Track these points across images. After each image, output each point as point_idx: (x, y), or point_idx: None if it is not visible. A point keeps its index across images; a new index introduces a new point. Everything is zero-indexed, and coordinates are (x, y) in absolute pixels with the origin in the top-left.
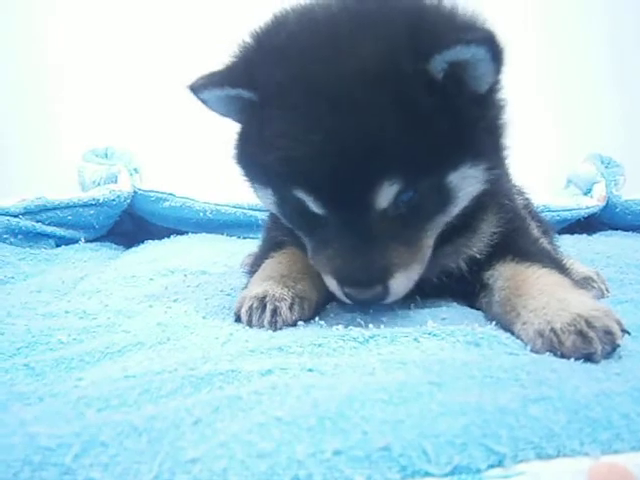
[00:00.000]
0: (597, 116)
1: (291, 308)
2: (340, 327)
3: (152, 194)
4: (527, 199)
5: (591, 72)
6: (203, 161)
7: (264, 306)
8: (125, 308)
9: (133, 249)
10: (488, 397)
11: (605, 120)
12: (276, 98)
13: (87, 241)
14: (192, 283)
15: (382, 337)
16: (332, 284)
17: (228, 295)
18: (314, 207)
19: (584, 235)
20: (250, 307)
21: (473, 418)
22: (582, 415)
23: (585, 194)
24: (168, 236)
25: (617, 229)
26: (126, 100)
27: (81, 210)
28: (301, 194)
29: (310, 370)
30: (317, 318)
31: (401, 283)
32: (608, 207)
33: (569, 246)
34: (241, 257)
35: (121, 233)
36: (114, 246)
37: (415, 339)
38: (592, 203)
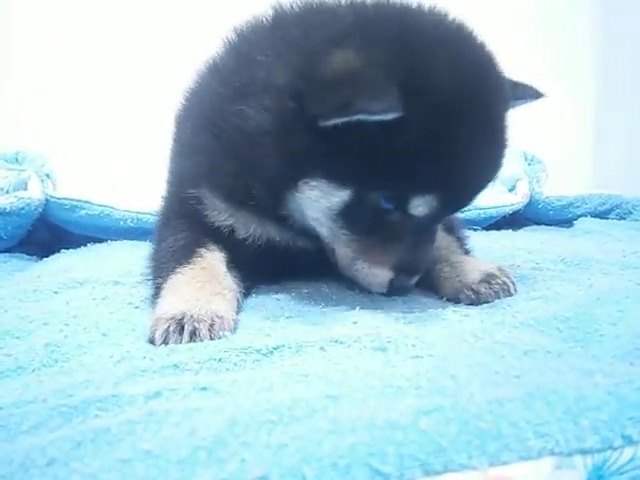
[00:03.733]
0: (523, 113)
1: (211, 329)
2: (244, 339)
3: (66, 202)
4: None
5: (523, 66)
6: (123, 166)
7: (182, 328)
8: (15, 327)
9: (44, 260)
10: (382, 410)
11: (530, 117)
12: (425, 122)
13: None
14: (99, 295)
15: (287, 347)
16: (383, 277)
17: (136, 308)
18: (418, 209)
19: (509, 231)
20: (166, 330)
21: (362, 435)
22: (472, 426)
23: (510, 191)
24: (85, 244)
25: (541, 224)
26: (40, 100)
27: None
28: (417, 199)
29: (203, 389)
30: None
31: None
32: (531, 203)
33: (494, 241)
34: None
35: (36, 242)
36: (26, 257)
37: (321, 348)
38: (515, 200)
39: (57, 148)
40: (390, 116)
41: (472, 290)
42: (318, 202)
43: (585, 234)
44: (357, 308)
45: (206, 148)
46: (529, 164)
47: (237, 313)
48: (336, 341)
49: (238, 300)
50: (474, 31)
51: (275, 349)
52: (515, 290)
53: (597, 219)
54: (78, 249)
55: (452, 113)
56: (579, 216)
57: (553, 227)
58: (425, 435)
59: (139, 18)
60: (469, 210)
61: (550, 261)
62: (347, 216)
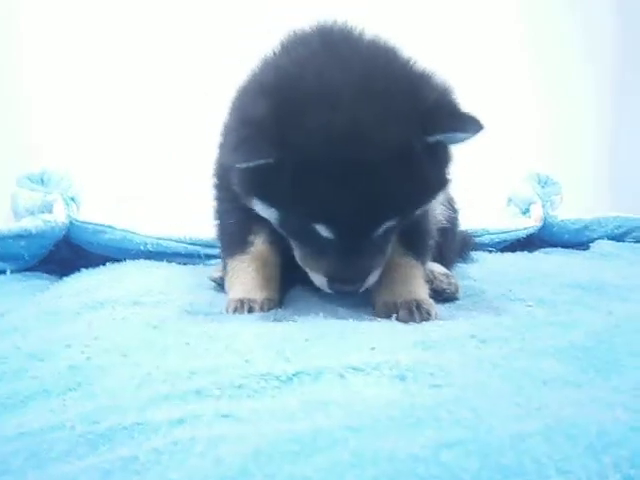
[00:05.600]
0: (537, 133)
1: (262, 307)
2: (264, 363)
3: (90, 226)
4: (454, 210)
5: (532, 88)
6: (147, 187)
7: (242, 306)
8: (39, 349)
9: (65, 279)
10: (403, 442)
11: (545, 137)
12: (305, 162)
13: (15, 272)
14: (119, 316)
15: (306, 374)
16: (321, 281)
17: (155, 328)
18: (324, 233)
19: (525, 253)
20: (235, 307)
21: (384, 468)
22: (494, 461)
23: (524, 213)
24: (104, 263)
25: (556, 246)
26: (67, 120)
27: (10, 242)
28: (316, 225)
29: (225, 416)
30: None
31: (373, 278)
32: (546, 227)
33: (509, 264)
34: (179, 282)
35: (56, 260)
36: (46, 276)
37: (340, 375)
38: (529, 224)
39: (80, 164)
40: (267, 161)
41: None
42: (263, 214)
43: (602, 257)
44: (374, 332)
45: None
46: (543, 186)
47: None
48: (355, 368)
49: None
50: (400, 63)
51: (294, 375)
52: (436, 315)
53: (614, 242)
54: (98, 268)
55: (320, 161)
56: (595, 239)
57: (569, 250)
58: (447, 469)
59: (161, 46)
60: (481, 235)
61: (567, 285)
62: (286, 228)
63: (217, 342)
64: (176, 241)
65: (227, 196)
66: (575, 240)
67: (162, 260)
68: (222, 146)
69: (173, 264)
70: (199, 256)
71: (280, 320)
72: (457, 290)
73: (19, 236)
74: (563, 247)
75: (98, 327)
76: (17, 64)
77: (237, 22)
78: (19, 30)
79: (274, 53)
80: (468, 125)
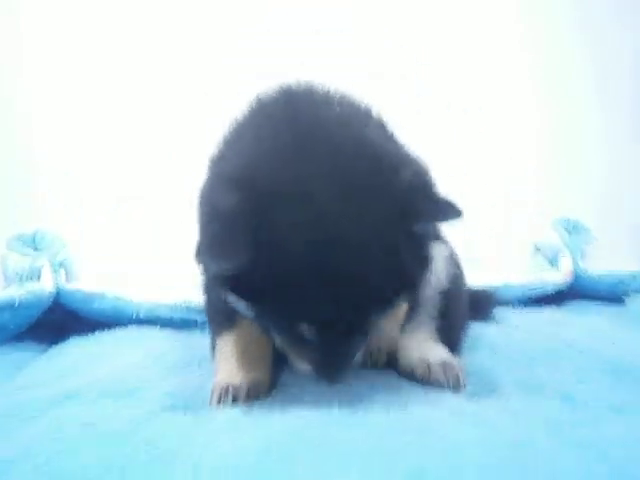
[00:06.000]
0: (568, 172)
1: (247, 394)
2: None
3: (78, 294)
4: (458, 267)
5: (561, 134)
6: (147, 187)
7: (227, 394)
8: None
9: (48, 352)
10: None
11: (575, 178)
12: (281, 263)
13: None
14: (83, 419)
15: None
16: (304, 368)
17: (115, 440)
18: (304, 331)
19: (552, 308)
20: (218, 397)
21: None
22: None
23: (552, 264)
24: (94, 330)
25: (588, 297)
26: (67, 120)
27: None
28: (295, 323)
29: None
30: None
31: (357, 359)
32: (576, 280)
33: (533, 329)
34: (168, 359)
35: (47, 325)
36: (32, 346)
37: None
38: (557, 279)
39: (80, 164)
40: (234, 265)
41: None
42: (238, 308)
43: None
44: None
45: None
46: (570, 233)
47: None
48: None
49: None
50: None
51: None
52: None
53: None
54: (85, 338)
55: (297, 262)
56: (631, 291)
57: (602, 305)
58: None
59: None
60: (503, 291)
61: (598, 369)
62: (260, 320)
63: (184, 461)
64: (171, 308)
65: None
66: (609, 294)
67: (156, 325)
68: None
69: (167, 331)
70: (195, 323)
71: (266, 414)
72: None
73: (3, 307)
74: (596, 299)
75: (60, 429)
76: (17, 63)
77: (237, 22)
78: (19, 30)
79: (239, 132)
80: (448, 213)
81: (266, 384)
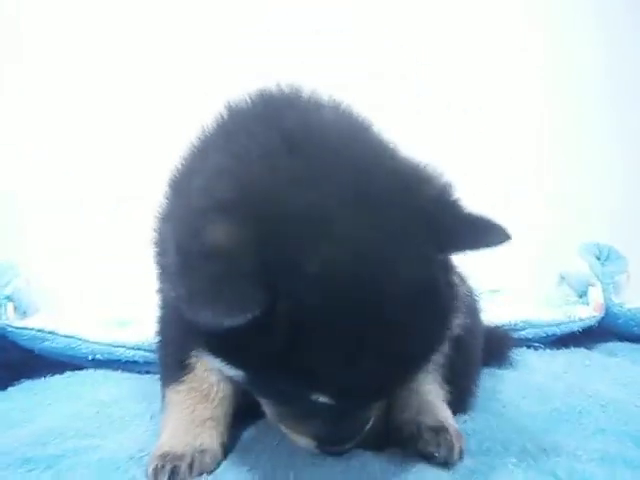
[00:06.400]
0: (597, 193)
1: (191, 466)
2: None
3: (26, 332)
4: (474, 310)
5: (595, 138)
6: (147, 187)
7: (164, 467)
8: None
9: None
10: None
11: (608, 198)
12: (305, 314)
13: None
14: None
15: None
16: (306, 443)
17: None
18: (318, 399)
19: (581, 350)
20: (155, 468)
21: None
22: None
23: (580, 296)
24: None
25: (623, 338)
26: (68, 120)
27: None
28: (311, 394)
29: None
30: None
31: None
32: (608, 316)
33: (555, 377)
34: (118, 408)
35: (5, 363)
36: None
37: None
38: (586, 314)
39: (81, 163)
40: (250, 314)
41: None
42: (222, 370)
43: None
44: None
45: None
46: (603, 262)
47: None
48: None
49: (236, 402)
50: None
51: None
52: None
53: None
54: (36, 382)
55: (331, 313)
56: None
57: (638, 346)
58: None
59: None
60: (522, 329)
61: (619, 431)
62: (252, 386)
63: None
64: (132, 348)
65: (169, 306)
66: None
67: (117, 369)
68: (165, 271)
69: (128, 375)
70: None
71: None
72: (452, 452)
73: None
74: (632, 341)
75: None
76: (17, 62)
77: (237, 22)
78: (19, 30)
79: (209, 146)
80: (494, 237)
81: (216, 453)
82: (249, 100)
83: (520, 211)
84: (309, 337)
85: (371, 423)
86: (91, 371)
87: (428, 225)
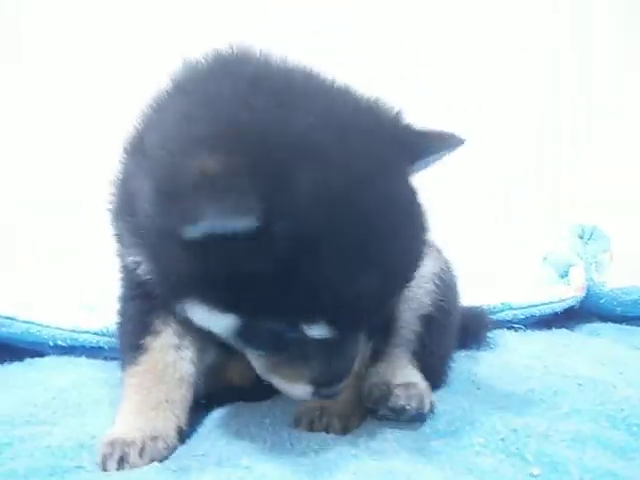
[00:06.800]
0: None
1: (141, 453)
2: None
3: None
4: (448, 288)
5: (595, 138)
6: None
7: (112, 454)
8: None
9: None
10: None
11: (594, 178)
12: (302, 231)
13: None
14: None
15: None
16: (303, 390)
17: None
18: (316, 332)
19: (562, 331)
20: (104, 456)
21: None
22: None
23: (562, 277)
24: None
25: (606, 319)
26: (68, 120)
27: None
28: (309, 325)
29: None
30: None
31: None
32: (590, 296)
33: (534, 356)
34: (77, 393)
35: None
36: None
37: None
38: (567, 294)
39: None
40: (247, 223)
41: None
42: (208, 323)
43: None
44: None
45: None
46: (587, 242)
47: (192, 405)
48: None
49: (195, 384)
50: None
51: None
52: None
53: None
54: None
55: (329, 229)
56: None
57: (621, 328)
58: None
59: None
60: (501, 311)
61: (595, 411)
62: (244, 337)
63: None
64: (95, 334)
65: (128, 280)
66: (631, 314)
67: (81, 356)
68: (132, 230)
69: (93, 361)
70: None
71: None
72: (422, 404)
73: None
74: (614, 322)
75: None
76: (17, 62)
77: (237, 22)
78: (19, 30)
79: (172, 102)
80: (451, 142)
81: (169, 438)
82: (204, 60)
83: (520, 211)
84: (307, 256)
85: (357, 364)
86: (53, 357)
87: (395, 142)
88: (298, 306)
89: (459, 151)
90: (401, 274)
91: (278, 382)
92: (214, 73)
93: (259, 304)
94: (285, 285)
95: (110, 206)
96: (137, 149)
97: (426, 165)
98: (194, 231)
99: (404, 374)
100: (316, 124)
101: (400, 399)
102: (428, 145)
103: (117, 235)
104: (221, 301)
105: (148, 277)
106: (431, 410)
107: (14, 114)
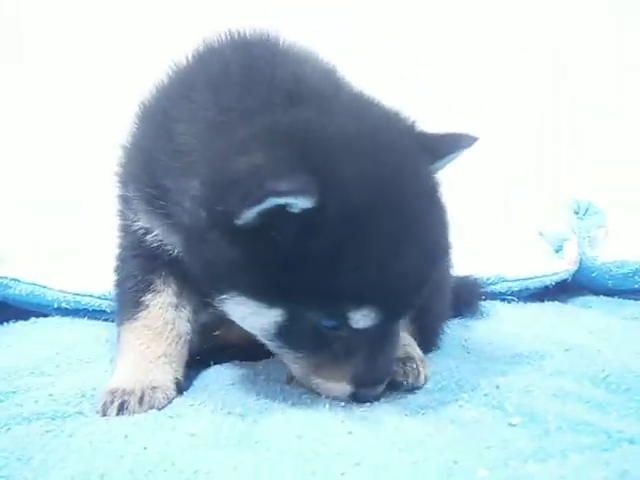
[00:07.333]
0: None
1: (141, 401)
2: None
3: None
4: None
5: (595, 138)
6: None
7: (112, 402)
8: None
9: None
10: None
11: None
12: (345, 219)
13: None
14: None
15: None
16: (342, 391)
17: None
18: (361, 323)
19: (555, 303)
20: (104, 403)
21: None
22: None
23: (556, 251)
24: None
25: (598, 292)
26: (68, 119)
27: None
28: (355, 313)
29: None
30: None
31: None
32: (583, 270)
33: (524, 325)
34: (79, 350)
35: None
36: None
37: None
38: (560, 268)
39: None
40: (305, 201)
41: None
42: (248, 319)
43: None
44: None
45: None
46: (582, 217)
47: (188, 360)
48: None
49: (191, 342)
50: (387, 110)
51: None
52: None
53: None
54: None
55: (374, 211)
56: None
57: (613, 301)
58: None
59: None
60: (495, 283)
61: (579, 373)
62: (286, 335)
63: None
64: (98, 297)
65: (130, 241)
66: (622, 287)
67: (83, 317)
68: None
69: (95, 322)
70: None
71: (148, 431)
72: (417, 378)
73: None
74: (607, 295)
75: None
76: (17, 62)
77: (237, 22)
78: (19, 30)
79: (201, 73)
80: (465, 141)
81: (168, 389)
82: (225, 40)
83: (520, 211)
84: (355, 237)
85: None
86: (57, 318)
87: (417, 144)
88: (345, 291)
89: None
90: (436, 253)
91: (318, 384)
92: (242, 71)
93: (307, 292)
94: (333, 269)
95: (120, 169)
96: (156, 118)
97: (445, 164)
98: (252, 211)
99: (401, 344)
100: (350, 123)
101: (398, 375)
102: (445, 146)
103: (123, 197)
104: (268, 292)
105: (157, 244)
106: (425, 381)
107: (14, 114)
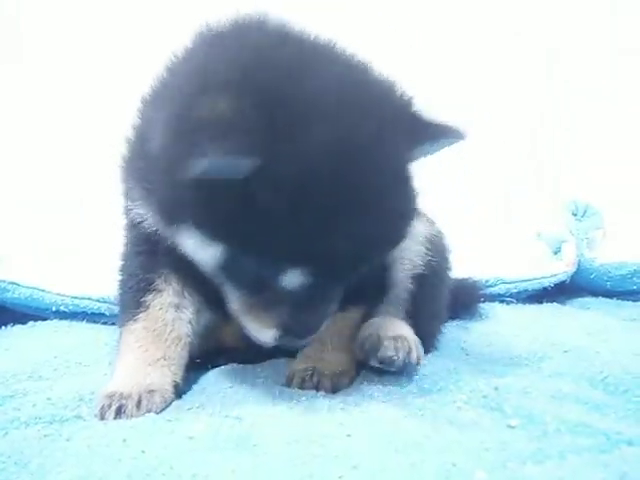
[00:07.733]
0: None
1: (138, 405)
2: None
3: None
4: (441, 251)
5: (595, 137)
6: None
7: (110, 406)
8: None
9: None
10: None
11: (589, 157)
12: (297, 177)
13: None
14: None
15: None
16: (269, 335)
17: None
18: (292, 280)
19: (553, 305)
20: (102, 407)
21: None
22: None
23: (555, 253)
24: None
25: (597, 294)
26: (69, 120)
27: None
28: (287, 271)
29: None
30: None
31: (322, 328)
32: (581, 272)
33: (523, 327)
34: (78, 353)
35: None
36: None
37: None
38: (558, 269)
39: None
40: (246, 164)
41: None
42: (197, 252)
43: None
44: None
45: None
46: (580, 219)
47: (188, 363)
48: None
49: (191, 344)
50: (370, 69)
51: None
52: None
53: None
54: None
55: (321, 173)
56: None
57: (612, 303)
58: None
59: None
60: (494, 285)
61: (577, 374)
62: (228, 271)
63: None
64: (97, 300)
65: (133, 236)
66: (620, 289)
67: (82, 320)
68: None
69: (94, 325)
70: None
71: (146, 435)
72: (409, 356)
73: None
74: (605, 297)
75: None
76: (17, 62)
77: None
78: (19, 30)
79: (197, 49)
80: (451, 135)
81: (166, 392)
82: (223, 25)
83: (520, 211)
84: (295, 203)
85: (327, 322)
86: (55, 321)
87: (399, 125)
88: (278, 250)
89: (457, 147)
90: (378, 241)
91: (249, 324)
92: (238, 32)
93: (245, 239)
94: (271, 227)
95: (122, 163)
96: (156, 100)
97: (425, 153)
98: (195, 168)
99: (394, 328)
100: (328, 89)
101: (388, 350)
102: (429, 133)
103: (126, 191)
104: (212, 229)
105: (153, 229)
106: (418, 362)
107: (14, 114)
